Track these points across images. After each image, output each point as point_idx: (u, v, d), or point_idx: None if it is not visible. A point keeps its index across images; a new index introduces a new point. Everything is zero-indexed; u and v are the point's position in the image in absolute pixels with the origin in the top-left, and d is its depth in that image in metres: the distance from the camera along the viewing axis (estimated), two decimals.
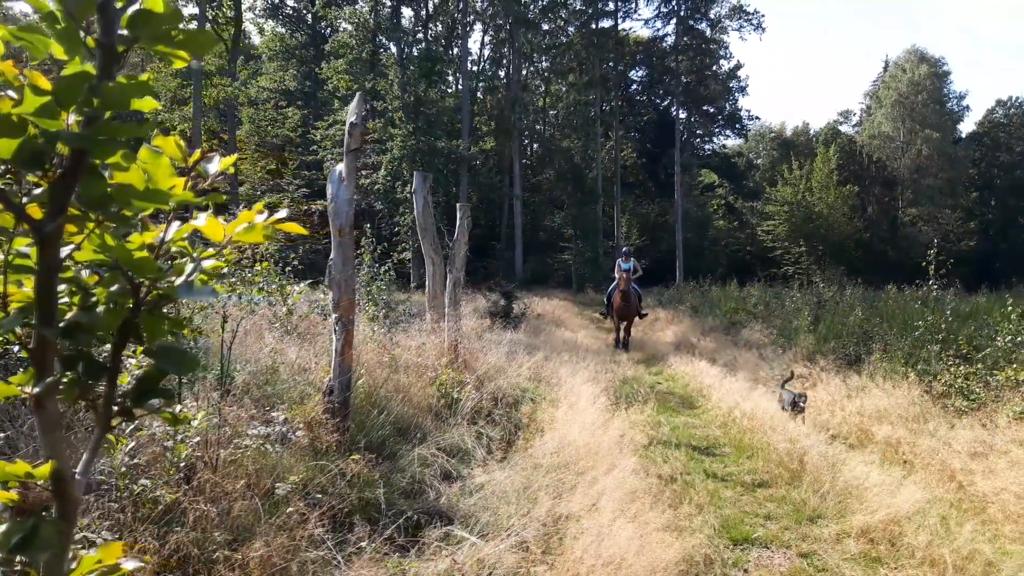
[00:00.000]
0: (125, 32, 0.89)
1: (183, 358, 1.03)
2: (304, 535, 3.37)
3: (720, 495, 5.19)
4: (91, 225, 0.94)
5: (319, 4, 32.17)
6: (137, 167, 0.94)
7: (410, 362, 6.84)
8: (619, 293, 13.16)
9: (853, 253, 36.36)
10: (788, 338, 12.21)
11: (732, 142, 48.50)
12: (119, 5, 0.89)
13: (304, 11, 37.09)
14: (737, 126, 44.62)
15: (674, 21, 38.88)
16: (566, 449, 5.35)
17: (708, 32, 39.55)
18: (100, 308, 0.99)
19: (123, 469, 3.15)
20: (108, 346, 1.01)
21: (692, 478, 5.53)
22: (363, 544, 3.51)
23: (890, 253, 37.43)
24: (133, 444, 3.33)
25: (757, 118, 50.26)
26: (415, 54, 30.47)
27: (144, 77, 0.91)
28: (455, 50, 33.68)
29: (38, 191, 0.92)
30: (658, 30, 41.09)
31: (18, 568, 0.97)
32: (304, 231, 1.28)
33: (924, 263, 9.68)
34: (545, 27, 35.42)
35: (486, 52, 37.58)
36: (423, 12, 32.38)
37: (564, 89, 38.21)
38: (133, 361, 2.26)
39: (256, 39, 39.43)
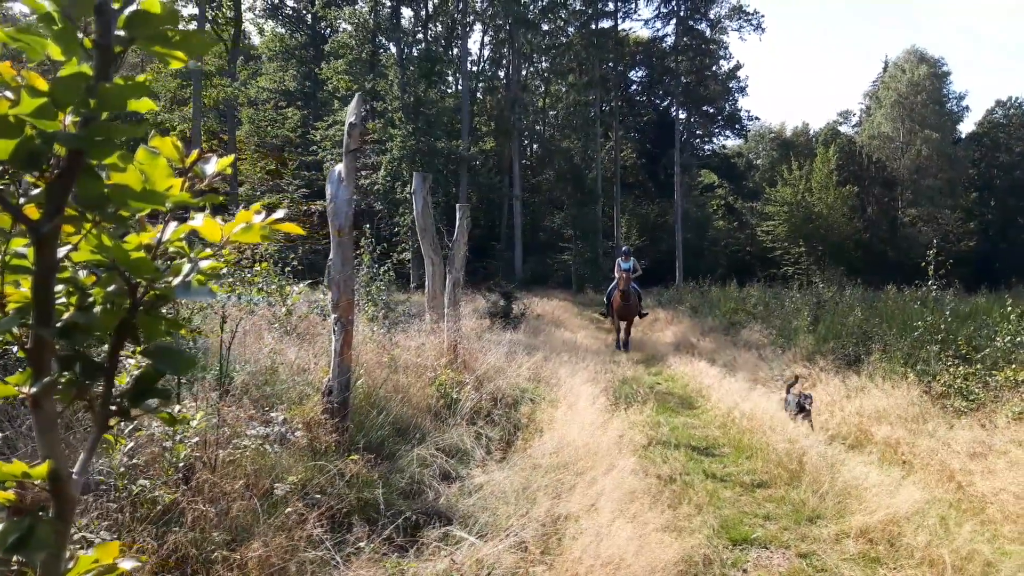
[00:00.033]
0: (122, 33, 0.90)
1: (180, 358, 1.03)
2: (303, 535, 3.37)
3: (719, 495, 5.19)
4: (88, 226, 0.95)
5: (319, 4, 32.18)
6: (134, 168, 0.94)
7: (409, 362, 6.84)
8: (619, 293, 13.16)
9: (853, 253, 36.36)
10: (787, 338, 12.21)
11: (732, 142, 48.58)
12: (116, 6, 0.89)
13: (304, 11, 37.11)
14: (737, 126, 44.66)
15: (674, 21, 38.89)
16: (565, 449, 5.35)
17: (708, 32, 39.58)
18: (97, 308, 0.99)
19: (122, 469, 3.15)
20: (107, 347, 1.02)
21: (691, 478, 5.53)
22: (362, 544, 3.51)
23: (890, 253, 37.43)
24: (132, 444, 3.33)
25: (757, 118, 50.38)
26: (415, 54, 30.47)
27: (141, 78, 0.91)
28: (455, 50, 33.69)
29: (35, 192, 0.92)
30: (658, 30, 41.17)
31: (15, 568, 0.98)
32: (302, 231, 1.28)
33: (923, 263, 9.68)
34: (545, 27, 35.43)
35: (486, 52, 37.64)
36: (423, 12, 32.40)
37: (564, 89, 38.22)
38: (132, 361, 2.26)
39: (256, 39, 39.47)
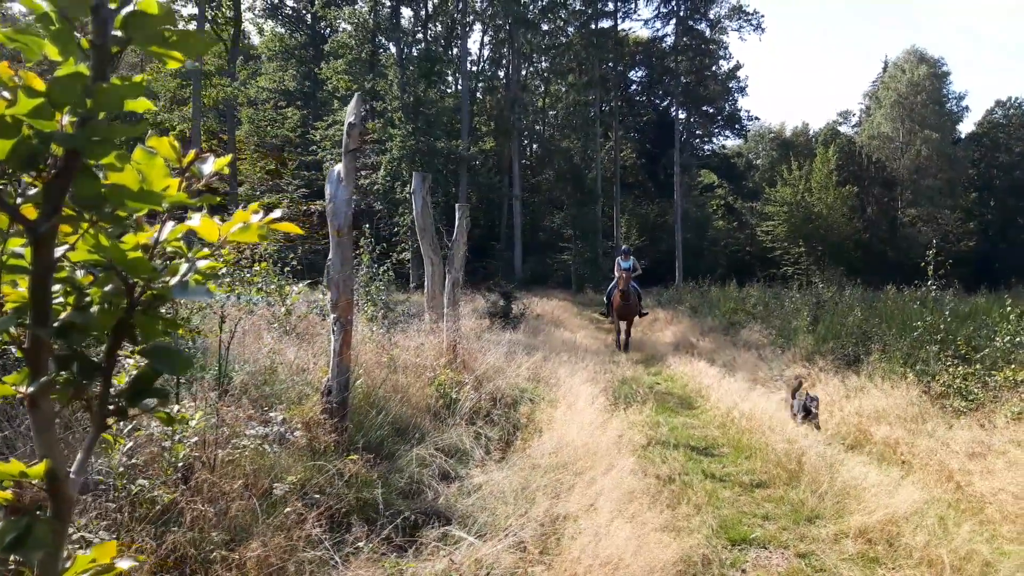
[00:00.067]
0: (119, 33, 0.90)
1: (178, 358, 1.03)
2: (302, 535, 3.37)
3: (718, 495, 5.19)
4: (85, 225, 0.95)
5: (318, 4, 32.17)
6: (131, 168, 0.94)
7: (409, 362, 6.84)
8: (619, 292, 13.15)
9: (852, 253, 36.37)
10: (787, 338, 12.21)
11: (731, 142, 48.60)
12: (113, 6, 0.89)
13: (303, 11, 37.10)
14: (736, 126, 44.67)
15: (673, 21, 38.90)
16: (564, 449, 5.35)
17: (708, 32, 39.59)
18: (95, 308, 0.99)
19: (121, 469, 3.15)
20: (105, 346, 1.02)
21: (690, 478, 5.53)
22: (361, 544, 3.51)
23: (889, 253, 37.45)
24: (131, 444, 3.33)
25: (756, 118, 50.38)
26: (414, 54, 30.47)
27: (138, 78, 0.91)
28: (454, 50, 33.69)
29: (33, 191, 0.93)
30: (657, 30, 41.18)
31: (13, 567, 0.98)
32: (300, 231, 1.28)
33: (923, 263, 9.69)
34: (545, 27, 35.43)
35: (485, 52, 37.65)
36: (422, 12, 32.40)
37: (563, 89, 38.23)
38: (131, 361, 2.26)
39: (255, 39, 39.47)
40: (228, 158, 1.11)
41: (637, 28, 55.79)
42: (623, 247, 15.38)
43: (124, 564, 1.09)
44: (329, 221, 5.25)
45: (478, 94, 36.10)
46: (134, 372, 1.07)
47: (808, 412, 6.85)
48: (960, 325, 9.57)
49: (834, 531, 4.42)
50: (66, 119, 0.89)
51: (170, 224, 1.03)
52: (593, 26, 37.00)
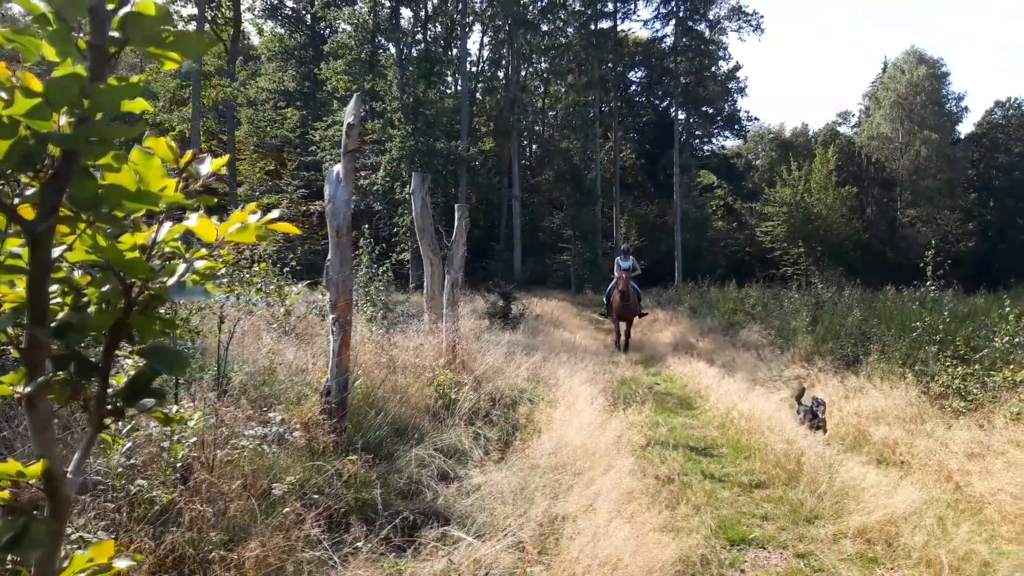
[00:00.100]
0: (116, 34, 0.90)
1: (175, 358, 1.03)
2: (300, 535, 3.37)
3: (717, 495, 5.20)
4: (83, 226, 0.95)
5: (318, 5, 32.19)
6: (128, 168, 0.94)
7: (408, 363, 6.84)
8: (618, 293, 13.14)
9: (852, 254, 36.39)
10: (786, 339, 12.22)
11: (731, 143, 48.61)
12: (110, 7, 0.89)
13: (303, 12, 37.09)
14: (736, 127, 44.68)
15: (673, 22, 38.92)
16: (563, 450, 5.35)
17: (707, 33, 39.61)
18: (92, 308, 1.00)
19: (119, 469, 3.15)
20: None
21: (689, 479, 5.53)
22: (359, 544, 3.51)
23: (889, 254, 37.48)
24: (130, 444, 3.33)
25: (756, 119, 50.33)
26: (414, 55, 30.49)
27: (135, 79, 0.91)
28: (454, 51, 33.70)
29: (30, 192, 0.93)
30: (657, 31, 41.19)
31: (10, 566, 0.98)
32: (297, 231, 1.28)
33: (922, 264, 9.68)
34: (544, 28, 35.44)
35: (485, 53, 37.66)
36: (422, 13, 32.40)
37: (563, 90, 38.24)
38: (130, 362, 2.27)
39: (255, 40, 39.47)
40: (225, 159, 1.11)
41: (636, 29, 55.87)
42: (623, 247, 15.38)
43: (121, 564, 1.09)
44: (328, 222, 5.25)
45: (478, 95, 36.11)
46: (132, 372, 1.07)
47: (815, 416, 6.72)
48: (959, 325, 9.57)
49: (833, 531, 4.42)
50: (63, 120, 0.89)
51: (167, 224, 1.04)
52: (592, 27, 37.00)
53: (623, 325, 13.61)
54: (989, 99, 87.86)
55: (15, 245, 0.96)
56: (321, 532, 3.50)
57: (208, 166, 1.04)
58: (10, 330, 0.98)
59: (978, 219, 42.87)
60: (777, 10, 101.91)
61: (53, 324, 0.95)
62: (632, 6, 39.27)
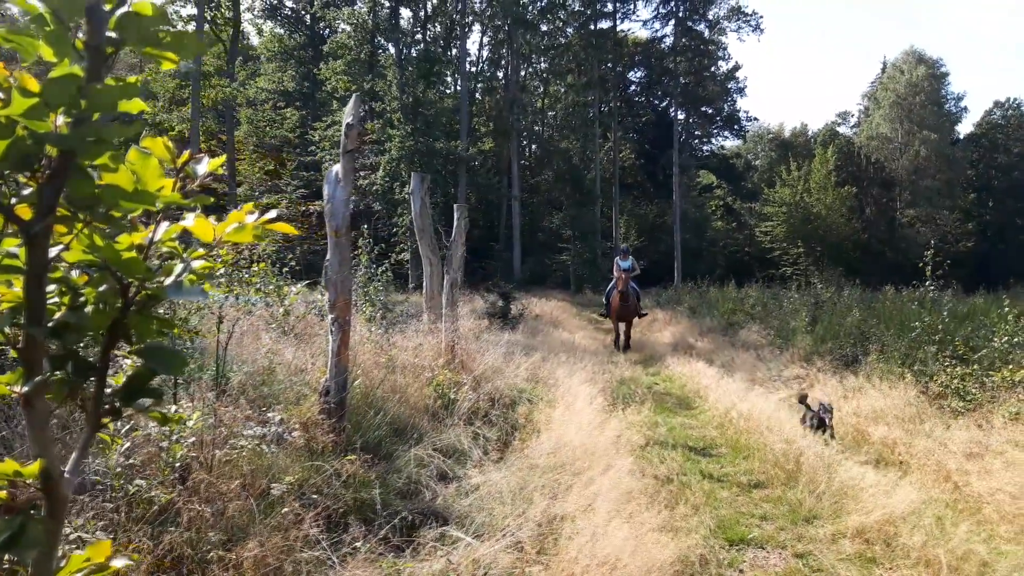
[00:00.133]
0: (113, 34, 0.90)
1: (172, 358, 1.04)
2: (299, 535, 3.37)
3: (716, 495, 5.20)
4: (80, 226, 0.95)
5: (318, 5, 32.21)
6: (125, 168, 0.95)
7: (407, 363, 6.84)
8: (617, 293, 13.13)
9: (851, 254, 36.40)
10: (785, 339, 12.22)
11: (730, 143, 48.65)
12: (107, 8, 0.89)
13: (303, 12, 37.11)
14: (735, 127, 44.68)
15: (672, 22, 38.93)
16: (562, 450, 5.35)
17: (706, 33, 39.63)
18: (89, 308, 1.00)
19: (118, 469, 3.16)
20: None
21: (688, 479, 5.53)
22: (358, 544, 3.51)
23: (888, 254, 37.50)
24: (128, 444, 3.33)
25: (755, 119, 50.28)
26: (413, 55, 30.50)
27: (132, 79, 0.92)
28: (453, 51, 33.71)
29: (27, 192, 0.93)
30: (656, 31, 41.21)
31: (7, 566, 0.98)
32: (295, 231, 1.28)
33: (921, 264, 9.68)
34: (544, 28, 35.44)
35: (484, 53, 37.68)
36: (421, 13, 32.42)
37: (562, 90, 38.27)
38: (129, 362, 2.27)
39: (255, 40, 39.49)
40: (223, 159, 1.11)
41: (636, 29, 55.92)
42: (622, 247, 15.37)
43: (118, 563, 1.09)
44: (327, 222, 5.25)
45: (477, 95, 36.11)
46: (130, 372, 1.07)
47: (822, 422, 6.57)
48: (958, 325, 9.58)
49: (832, 531, 4.42)
50: (60, 120, 0.89)
51: (165, 224, 1.04)
52: (592, 27, 37.02)
53: (622, 326, 13.60)
54: (988, 99, 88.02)
55: (12, 245, 0.96)
56: (320, 532, 3.50)
57: (205, 166, 1.04)
58: (8, 330, 0.98)
59: (977, 219, 42.90)
60: (776, 10, 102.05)
61: (50, 324, 0.95)
62: (631, 6, 39.34)
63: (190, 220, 1.04)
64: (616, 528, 3.77)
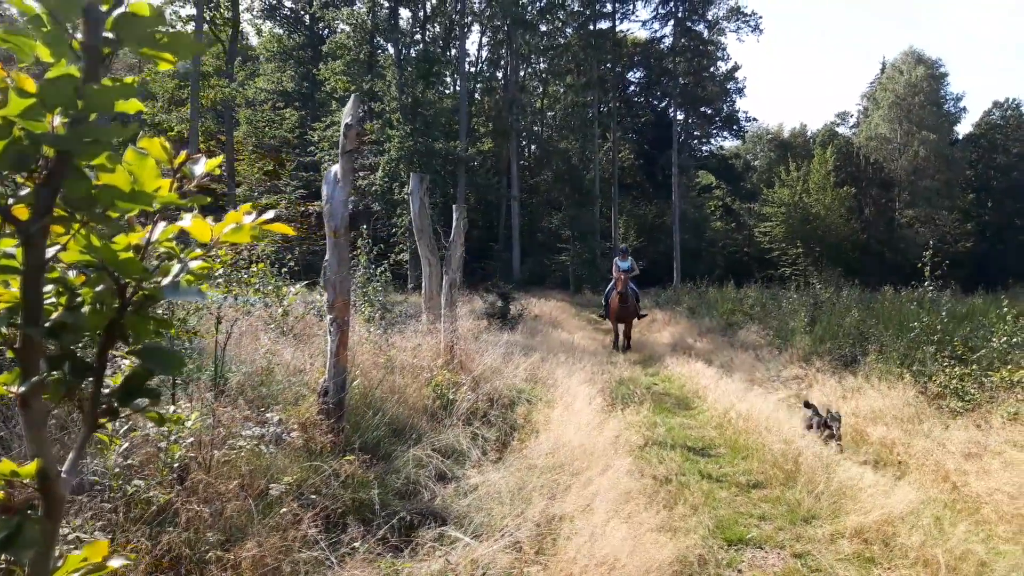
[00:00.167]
0: (110, 35, 0.90)
1: (169, 358, 1.04)
2: (297, 535, 3.37)
3: (715, 496, 5.20)
4: (77, 226, 0.95)
5: (317, 5, 32.21)
6: (122, 168, 0.95)
7: (406, 363, 6.84)
8: (616, 295, 13.12)
9: (850, 254, 36.40)
10: (784, 339, 12.23)
11: (729, 143, 48.66)
12: (104, 8, 0.89)
13: (302, 12, 37.11)
14: (734, 127, 44.70)
15: (672, 23, 38.93)
16: (561, 450, 5.35)
17: (706, 34, 39.64)
18: (86, 308, 1.00)
19: (116, 470, 3.16)
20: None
21: (687, 479, 5.53)
22: (356, 544, 3.51)
23: (887, 254, 37.51)
24: (127, 445, 3.33)
25: (754, 119, 50.34)
26: (413, 55, 30.50)
27: (129, 80, 0.92)
28: (453, 51, 33.71)
29: (24, 192, 0.93)
30: (656, 32, 41.19)
31: (4, 566, 0.98)
32: (292, 232, 1.29)
33: (920, 264, 9.68)
34: (543, 28, 35.45)
35: (484, 53, 37.69)
36: (421, 13, 32.43)
37: (562, 90, 38.28)
38: (127, 362, 2.27)
39: (254, 40, 39.48)
40: (220, 159, 1.11)
41: (635, 29, 56.02)
42: (621, 247, 15.37)
43: (116, 563, 1.09)
44: (326, 222, 5.25)
45: (476, 95, 36.12)
46: (128, 372, 1.07)
47: (829, 429, 6.45)
48: (957, 326, 9.59)
49: (830, 531, 4.43)
50: (57, 120, 0.89)
51: (162, 225, 1.04)
52: (591, 27, 37.03)
53: (621, 327, 13.61)
54: (987, 99, 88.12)
55: (9, 245, 0.97)
56: (318, 532, 3.50)
57: (202, 166, 1.05)
58: (4, 330, 0.98)
59: (976, 220, 42.92)
60: (776, 10, 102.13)
61: (47, 324, 0.95)
62: (631, 6, 39.36)
63: (187, 220, 1.04)
64: (614, 528, 3.78)
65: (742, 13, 38.82)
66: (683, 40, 38.74)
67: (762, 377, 9.90)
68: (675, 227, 36.47)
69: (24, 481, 0.96)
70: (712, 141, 46.41)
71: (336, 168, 5.25)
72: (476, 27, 35.39)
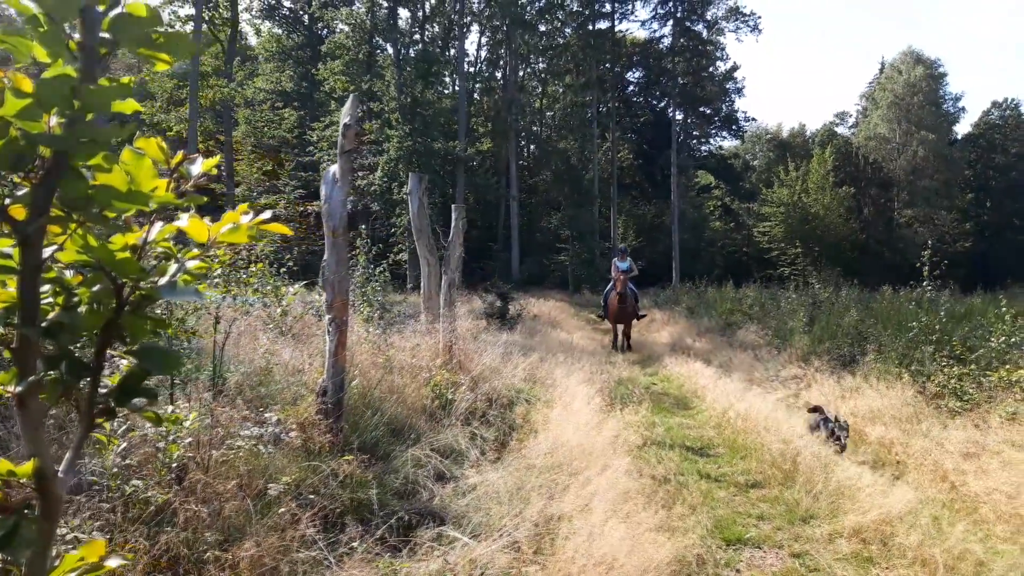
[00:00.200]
0: (107, 35, 0.90)
1: (166, 358, 1.04)
2: (295, 535, 3.37)
3: (713, 495, 5.20)
4: (73, 226, 0.95)
5: (316, 5, 32.19)
6: (119, 168, 0.95)
7: (405, 363, 6.84)
8: (615, 295, 13.12)
9: (849, 254, 36.39)
10: (783, 339, 12.23)
11: (728, 143, 48.67)
12: (101, 9, 0.89)
13: (301, 12, 37.10)
14: (733, 127, 44.70)
15: (671, 23, 38.93)
16: (560, 450, 5.35)
17: (705, 34, 39.64)
18: (83, 308, 1.00)
19: (115, 470, 3.16)
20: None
21: (685, 479, 5.53)
22: (355, 544, 3.51)
23: (886, 254, 37.52)
24: (125, 445, 3.33)
25: (753, 119, 50.46)
26: (412, 55, 30.49)
27: (126, 80, 0.92)
28: (452, 51, 33.70)
29: (21, 192, 0.93)
30: (655, 32, 41.19)
31: (1, 565, 0.98)
32: (289, 232, 1.29)
33: (919, 264, 9.68)
34: (542, 28, 35.45)
35: (483, 53, 37.66)
36: (420, 13, 32.41)
37: (561, 90, 38.28)
38: (125, 362, 2.27)
39: (253, 40, 39.47)
40: (216, 159, 1.11)
41: (634, 29, 56.13)
42: (620, 247, 15.36)
43: (113, 563, 1.09)
44: (324, 222, 5.25)
45: (475, 95, 36.12)
46: (125, 372, 1.07)
47: (835, 436, 6.27)
48: (955, 326, 9.60)
49: (828, 531, 4.43)
50: (54, 120, 0.89)
51: (159, 224, 1.04)
52: (590, 27, 37.03)
53: (621, 327, 13.61)
54: (986, 99, 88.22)
55: (6, 245, 0.97)
56: (316, 532, 3.50)
57: (199, 166, 1.05)
58: (2, 329, 0.98)
59: (975, 219, 42.94)
60: (775, 10, 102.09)
61: (44, 324, 0.95)
62: (630, 6, 39.36)
63: (184, 220, 1.04)
64: (613, 528, 3.78)
65: (741, 13, 38.82)
66: (682, 40, 38.73)
67: (761, 377, 9.91)
68: (674, 227, 36.46)
69: (21, 481, 0.96)
70: (711, 141, 46.48)
71: (335, 168, 5.25)
72: (475, 27, 35.41)
